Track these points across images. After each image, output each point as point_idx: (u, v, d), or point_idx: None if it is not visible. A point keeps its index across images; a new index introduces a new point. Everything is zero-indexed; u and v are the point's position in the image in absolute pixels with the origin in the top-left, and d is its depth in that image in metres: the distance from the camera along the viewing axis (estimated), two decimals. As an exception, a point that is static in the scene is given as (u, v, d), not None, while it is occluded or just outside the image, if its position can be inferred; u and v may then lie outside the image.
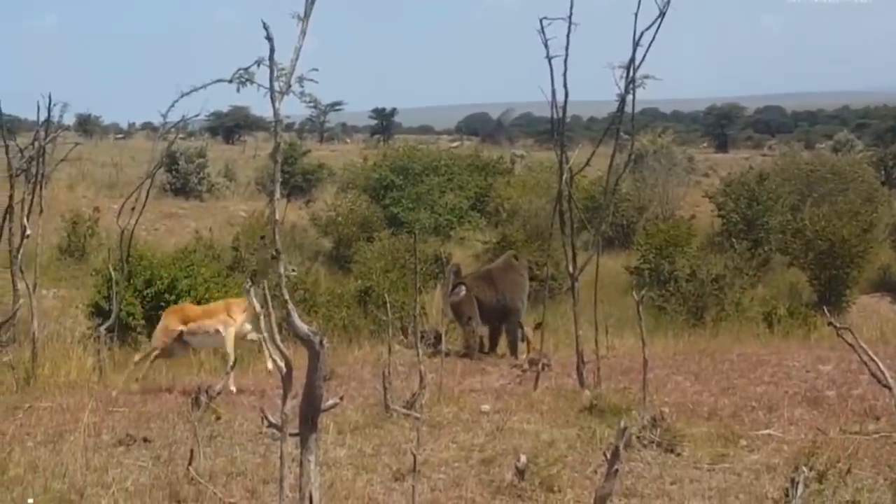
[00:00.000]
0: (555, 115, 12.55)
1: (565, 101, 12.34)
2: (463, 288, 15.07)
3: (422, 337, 12.92)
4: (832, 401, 11.34)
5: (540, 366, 12.63)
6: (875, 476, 8.47)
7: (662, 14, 11.53)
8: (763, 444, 9.68)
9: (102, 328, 14.37)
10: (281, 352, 6.99)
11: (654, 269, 23.33)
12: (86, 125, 62.72)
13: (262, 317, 7.22)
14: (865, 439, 9.60)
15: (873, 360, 10.71)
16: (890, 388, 10.53)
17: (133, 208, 14.37)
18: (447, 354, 13.27)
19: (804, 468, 7.62)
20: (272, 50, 6.95)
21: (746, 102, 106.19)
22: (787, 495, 7.49)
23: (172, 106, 12.17)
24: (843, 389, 11.79)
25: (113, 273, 15.08)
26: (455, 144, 60.37)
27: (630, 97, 12.25)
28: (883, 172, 42.43)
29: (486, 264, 18.96)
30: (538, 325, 14.36)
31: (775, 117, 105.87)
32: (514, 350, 15.09)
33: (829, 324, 11.70)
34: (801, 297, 23.70)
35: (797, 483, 7.48)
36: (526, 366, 13.58)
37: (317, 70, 7.15)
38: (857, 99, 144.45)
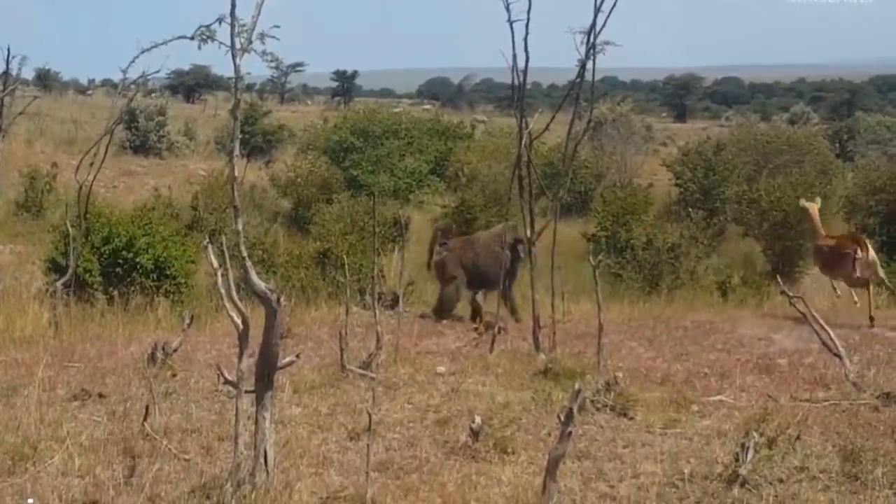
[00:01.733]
0: (515, 80, 12.55)
1: (526, 66, 12.33)
2: (445, 249, 15.12)
3: (379, 299, 12.95)
4: (783, 369, 11.47)
5: (496, 329, 12.70)
6: (824, 443, 8.60)
7: (625, -20, 11.55)
8: (714, 410, 9.78)
9: (59, 284, 14.33)
10: (238, 309, 7.02)
11: (610, 237, 23.45)
12: (45, 80, 62.04)
13: (219, 274, 7.24)
14: (815, 407, 9.72)
15: (825, 330, 10.89)
16: (840, 357, 10.72)
17: (91, 164, 14.28)
18: (405, 314, 13.31)
19: (754, 434, 7.74)
20: (233, 5, 6.93)
21: (705, 73, 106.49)
22: (737, 460, 7.62)
23: (133, 62, 12.11)
24: (795, 358, 11.93)
25: (70, 229, 15.01)
26: (427, 107, 60.43)
27: (590, 63, 12.26)
28: (837, 145, 42.83)
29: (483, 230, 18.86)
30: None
31: (733, 88, 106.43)
32: (512, 313, 14.94)
33: (782, 293, 11.88)
34: (756, 266, 23.89)
35: (747, 448, 7.61)
36: (482, 329, 13.64)
37: (278, 27, 7.15)
38: (814, 72, 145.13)
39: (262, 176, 32.12)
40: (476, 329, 13.80)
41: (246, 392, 7.11)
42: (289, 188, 29.96)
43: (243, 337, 7.05)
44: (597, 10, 11.81)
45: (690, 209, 27.77)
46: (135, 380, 10.29)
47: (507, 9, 11.86)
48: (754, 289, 19.05)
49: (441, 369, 11.23)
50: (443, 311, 14.92)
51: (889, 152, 37.60)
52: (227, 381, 7.31)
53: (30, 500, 6.92)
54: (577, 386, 7.03)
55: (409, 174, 33.16)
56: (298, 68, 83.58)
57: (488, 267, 14.87)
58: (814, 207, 15.86)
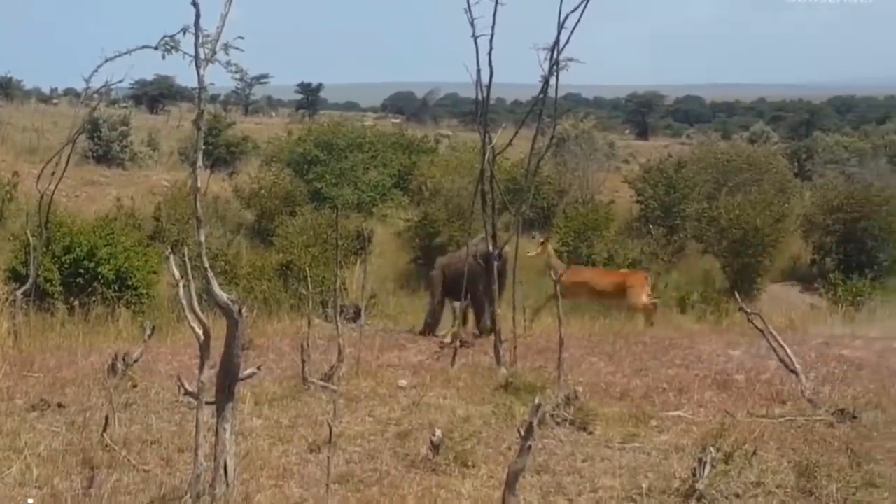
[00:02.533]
0: (479, 95, 12.60)
1: (490, 81, 12.38)
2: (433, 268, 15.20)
3: (341, 311, 12.96)
4: (741, 385, 11.56)
5: (458, 342, 12.74)
6: (780, 458, 8.68)
7: (588, -3, 11.62)
8: (673, 425, 9.85)
9: (19, 293, 14.25)
10: (200, 320, 7.03)
11: (572, 252, 23.59)
12: (7, 88, 61.63)
13: (181, 285, 7.25)
14: (772, 423, 9.82)
15: (781, 346, 11.02)
16: (797, 374, 10.84)
17: (53, 174, 14.22)
18: (367, 327, 13.31)
19: (711, 449, 7.81)
20: (198, 16, 6.95)
21: (667, 91, 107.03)
22: (694, 475, 7.69)
23: (96, 71, 12.06)
24: (752, 374, 12.02)
25: (31, 239, 14.94)
26: (396, 121, 60.50)
27: (553, 80, 12.32)
28: (796, 164, 43.25)
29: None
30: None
31: (694, 107, 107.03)
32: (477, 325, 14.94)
33: (740, 310, 12.01)
34: (714, 283, 24.12)
35: (704, 463, 7.68)
36: (448, 340, 13.66)
37: (242, 38, 7.16)
38: (774, 92, 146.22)
39: (226, 187, 32.05)
40: (445, 340, 13.81)
41: (207, 403, 7.11)
42: (252, 200, 29.94)
43: (204, 348, 7.05)
44: (560, 27, 11.87)
45: (651, 226, 28.00)
46: (95, 390, 10.25)
47: (472, 24, 11.90)
48: (713, 305, 19.24)
49: (402, 382, 11.26)
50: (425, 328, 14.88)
51: (847, 172, 37.96)
52: (187, 393, 7.32)
53: (30, 501, 6.90)
54: (537, 400, 7.08)
55: (373, 187, 33.18)
56: (263, 80, 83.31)
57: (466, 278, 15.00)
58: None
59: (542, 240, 18.57)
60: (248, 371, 7.45)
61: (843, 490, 7.79)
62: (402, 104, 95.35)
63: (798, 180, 38.25)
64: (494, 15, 11.78)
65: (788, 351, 11.03)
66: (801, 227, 28.15)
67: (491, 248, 12.93)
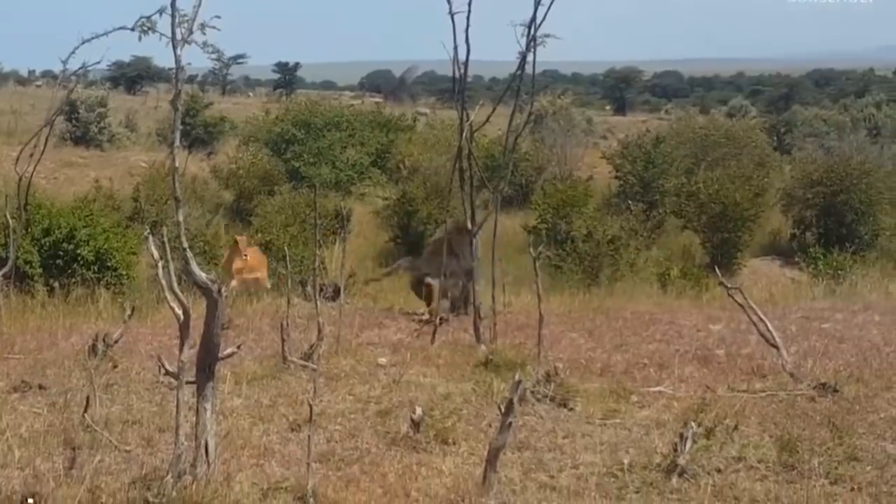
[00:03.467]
0: (456, 72, 12.61)
1: (467, 58, 12.38)
2: (416, 267, 15.14)
3: (321, 290, 12.94)
4: (721, 359, 11.61)
5: (437, 319, 12.76)
6: (761, 433, 8.73)
7: (565, -27, 11.63)
8: (653, 401, 9.90)
9: (-1, 275, 14.21)
10: (179, 300, 7.02)
11: (551, 229, 23.60)
12: (-16, 71, 61.34)
13: (160, 266, 7.23)
14: (752, 397, 9.87)
15: (762, 321, 11.07)
16: (777, 348, 10.89)
17: (31, 156, 14.18)
18: (346, 305, 13.30)
19: (693, 424, 7.85)
20: (174, -4, 6.92)
21: (645, 67, 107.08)
22: (675, 450, 7.73)
23: (73, 53, 12.05)
24: (733, 349, 12.08)
25: (10, 221, 14.86)
26: (377, 100, 60.43)
27: (531, 56, 12.33)
28: (775, 138, 43.28)
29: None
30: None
31: (672, 82, 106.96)
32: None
33: (720, 284, 12.05)
34: (694, 258, 24.19)
35: (686, 438, 7.72)
36: (427, 316, 13.68)
37: (219, 17, 7.13)
38: (752, 66, 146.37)
39: (204, 168, 31.95)
40: (424, 317, 13.84)
41: (187, 383, 7.11)
42: (230, 180, 29.85)
43: (184, 328, 7.05)
44: (537, 3, 11.88)
45: (630, 202, 27.97)
46: (75, 371, 10.24)
47: (449, 1, 11.91)
48: (693, 280, 19.27)
49: (382, 360, 11.27)
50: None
51: (826, 145, 37.95)
52: (167, 373, 7.32)
53: (30, 501, 6.89)
54: (517, 377, 7.11)
55: (351, 166, 33.10)
56: (240, 60, 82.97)
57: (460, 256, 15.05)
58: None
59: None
60: (228, 351, 7.44)
61: (825, 464, 7.84)
62: (380, 82, 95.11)
63: (777, 154, 38.28)
64: (471, -9, 11.78)
65: (769, 325, 11.08)
66: (780, 202, 28.19)
67: (470, 226, 12.93)
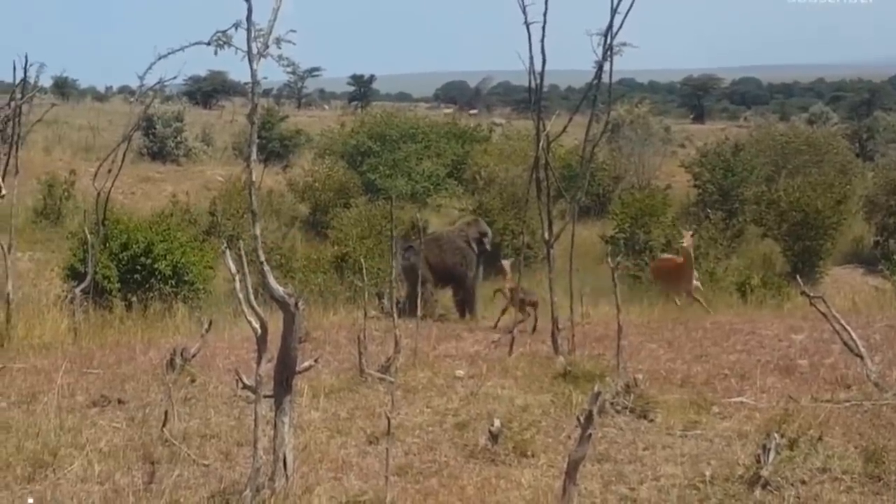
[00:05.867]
0: (532, 82, 12.54)
1: (542, 68, 12.32)
2: (412, 253, 15.24)
3: (397, 303, 12.92)
4: (804, 369, 11.40)
5: (513, 330, 12.67)
6: (846, 444, 8.53)
7: (641, -19, 11.55)
8: (735, 412, 9.72)
9: (77, 290, 14.36)
10: (256, 314, 7.01)
11: (629, 239, 23.47)
12: (63, 88, 62.27)
13: (237, 279, 7.23)
14: (836, 407, 9.66)
15: (845, 330, 10.82)
16: (861, 357, 10.64)
17: (109, 171, 14.32)
18: (423, 318, 13.27)
19: (775, 435, 7.68)
20: (250, 11, 6.94)
21: (723, 74, 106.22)
22: (758, 461, 7.56)
23: (150, 69, 12.14)
24: (815, 358, 11.86)
25: (89, 236, 15.04)
26: (473, 112, 60.67)
27: (607, 65, 12.25)
28: (857, 145, 42.75)
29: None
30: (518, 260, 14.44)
31: (751, 89, 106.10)
32: (469, 312, 15.36)
33: (802, 293, 11.81)
34: (775, 267, 23.91)
35: (768, 449, 7.55)
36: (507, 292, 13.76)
37: (294, 32, 7.14)
38: (833, 72, 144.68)
39: (280, 181, 32.19)
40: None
41: (264, 397, 7.09)
42: (306, 193, 30.05)
43: (261, 342, 7.03)
44: (613, 12, 11.81)
45: (709, 210, 27.77)
46: (154, 386, 10.29)
47: (524, 11, 11.86)
48: (774, 289, 19.02)
49: (460, 373, 11.21)
50: (428, 310, 14.93)
51: (910, 151, 37.50)
52: (245, 386, 7.30)
53: (30, 501, 6.93)
54: (596, 388, 7.00)
55: (427, 178, 33.15)
56: (315, 73, 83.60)
57: (454, 263, 15.25)
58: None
59: (692, 232, 18.56)
60: (306, 364, 7.42)
61: (912, 475, 7.64)
62: (455, 93, 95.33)
63: (859, 161, 37.85)
64: (546, 1, 11.74)
65: (853, 334, 10.84)
66: (863, 209, 27.84)
67: (548, 236, 12.84)
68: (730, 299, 18.57)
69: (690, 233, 17.89)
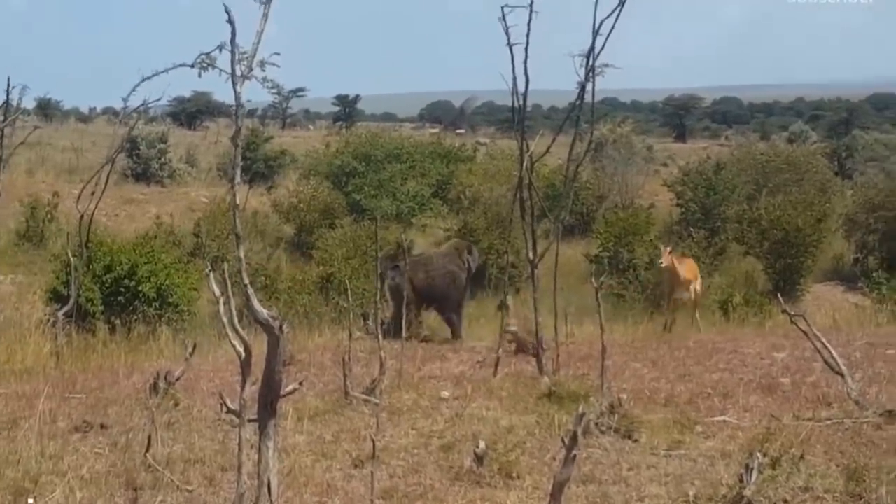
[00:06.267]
0: (515, 103, 12.60)
1: (526, 89, 12.39)
2: (397, 274, 15.26)
3: (382, 324, 12.94)
4: (786, 388, 11.46)
5: (497, 350, 12.66)
6: (828, 462, 8.57)
7: (622, 3, 11.62)
8: (718, 431, 9.76)
9: (60, 314, 14.33)
10: (240, 337, 7.01)
11: (613, 257, 23.54)
12: (46, 109, 62.12)
13: (221, 302, 7.23)
14: (818, 426, 9.71)
15: (826, 348, 10.88)
16: (842, 376, 10.70)
17: (93, 193, 14.31)
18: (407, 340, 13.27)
19: (758, 454, 7.71)
20: (234, 33, 6.95)
21: (704, 93, 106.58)
22: (741, 481, 7.59)
23: (133, 90, 12.13)
24: (797, 377, 11.92)
25: (72, 259, 15.01)
26: (460, 131, 60.79)
27: (590, 86, 12.33)
28: (836, 163, 42.98)
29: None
30: (516, 291, 14.45)
31: (732, 108, 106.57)
32: (454, 334, 15.35)
33: (784, 312, 11.87)
34: (757, 285, 23.97)
35: (751, 469, 7.58)
36: (513, 327, 13.69)
37: (279, 55, 7.15)
38: (812, 91, 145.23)
39: (265, 202, 32.15)
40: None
41: (249, 421, 7.08)
42: (291, 214, 30.02)
43: (246, 365, 7.03)
44: (595, 33, 11.89)
45: (692, 229, 27.88)
46: (137, 410, 10.26)
47: (507, 33, 11.93)
48: (756, 307, 19.11)
49: (445, 394, 11.22)
50: (412, 332, 14.92)
51: (887, 169, 37.68)
52: (229, 410, 7.29)
53: (30, 501, 6.91)
54: (580, 409, 7.02)
55: (412, 198, 33.14)
56: (300, 93, 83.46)
57: (441, 286, 15.25)
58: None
59: (669, 248, 18.56)
60: (290, 387, 7.42)
61: (893, 493, 7.67)
62: (440, 113, 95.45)
63: (839, 179, 38.05)
64: (529, 23, 11.81)
65: (833, 352, 10.90)
66: (842, 227, 27.99)
67: (532, 256, 12.85)
68: (713, 317, 18.64)
69: (668, 249, 18.04)
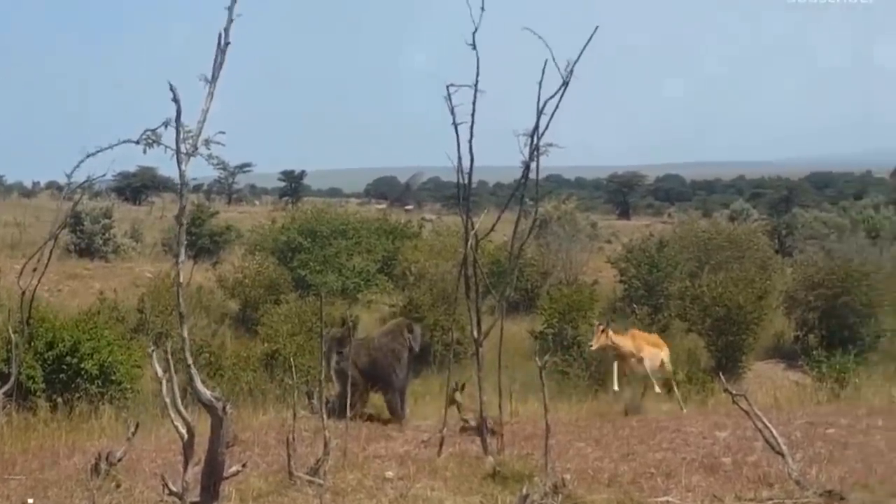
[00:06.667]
0: (461, 181, 12.69)
1: (471, 167, 12.49)
2: (342, 357, 15.23)
3: (327, 402, 12.90)
4: (728, 467, 11.53)
5: (441, 430, 12.65)
6: (769, 542, 8.63)
7: (566, 83, 11.78)
8: (661, 511, 9.80)
9: (0, 392, 14.15)
10: (183, 419, 7.01)
11: (557, 334, 23.61)
12: (-12, 184, 61.77)
13: (164, 382, 7.23)
14: (760, 506, 9.78)
15: (767, 428, 10.99)
16: (783, 455, 10.79)
17: (35, 269, 14.20)
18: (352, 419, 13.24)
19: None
20: (179, 112, 7.03)
21: (647, 171, 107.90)
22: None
23: (78, 166, 12.12)
24: (739, 456, 12.00)
25: (13, 336, 14.85)
26: (409, 207, 60.93)
27: (534, 164, 12.46)
28: (777, 241, 43.50)
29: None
30: (462, 387, 14.33)
31: (675, 186, 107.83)
32: (395, 415, 15.23)
33: (726, 391, 11.98)
34: (699, 362, 24.07)
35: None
36: (472, 422, 13.53)
37: (223, 133, 7.23)
38: (752, 169, 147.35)
39: (210, 277, 31.99)
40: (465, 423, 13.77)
41: (191, 503, 7.06)
42: (236, 289, 29.88)
43: (188, 446, 7.03)
44: (539, 113, 12.04)
45: (635, 305, 28.05)
46: (77, 492, 10.14)
47: (452, 112, 12.06)
48: (699, 385, 19.20)
49: (389, 474, 11.19)
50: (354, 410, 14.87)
51: (826, 247, 38.12)
52: (171, 493, 7.28)
53: (30, 500, 6.82)
54: (524, 490, 7.06)
55: (357, 274, 33.11)
56: (246, 169, 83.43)
57: (384, 364, 15.20)
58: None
59: (601, 326, 17.29)
60: (233, 469, 7.41)
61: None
62: (385, 189, 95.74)
63: (779, 257, 38.44)
64: (474, 102, 11.95)
65: (774, 432, 11.00)
66: (783, 304, 28.22)
67: (476, 333, 12.87)
68: (656, 395, 18.70)
69: (601, 327, 17.27)
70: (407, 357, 15.54)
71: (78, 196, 17.64)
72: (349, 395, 12.89)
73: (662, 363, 17.61)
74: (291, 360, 14.04)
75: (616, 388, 16.87)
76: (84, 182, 14.21)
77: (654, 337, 18.58)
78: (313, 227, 35.45)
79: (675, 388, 17.65)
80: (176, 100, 7.11)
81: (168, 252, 37.80)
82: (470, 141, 12.26)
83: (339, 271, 32.85)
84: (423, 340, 15.81)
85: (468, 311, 13.07)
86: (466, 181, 12.70)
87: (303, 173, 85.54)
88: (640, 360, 17.18)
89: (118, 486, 10.33)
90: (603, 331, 17.08)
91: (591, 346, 17.07)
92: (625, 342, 17.20)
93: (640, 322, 24.65)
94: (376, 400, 16.37)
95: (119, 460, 10.64)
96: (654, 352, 17.52)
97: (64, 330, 16.67)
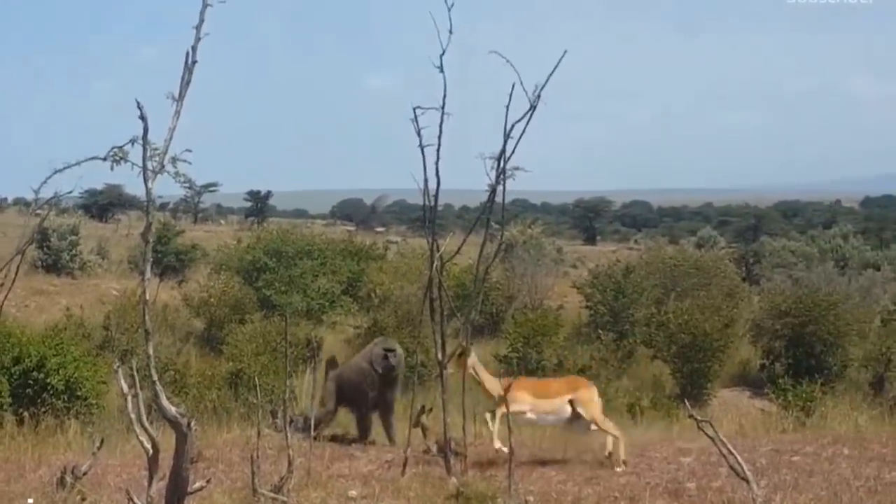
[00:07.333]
0: (427, 203, 12.74)
1: (437, 190, 12.53)
2: (330, 379, 15.31)
3: (291, 421, 12.90)
4: (692, 493, 11.58)
5: (406, 450, 12.68)
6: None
7: (533, 108, 11.86)
8: (624, 534, 9.86)
9: (-35, 407, 14.11)
10: (148, 434, 7.02)
11: (522, 358, 23.65)
12: (-46, 200, 61.47)
13: (129, 399, 7.24)
14: (723, 531, 9.84)
15: (732, 454, 11.03)
16: (748, 482, 10.84)
17: (2, 284, 14.15)
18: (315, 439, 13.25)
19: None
20: (146, 130, 7.07)
21: (614, 196, 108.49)
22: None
23: (45, 182, 12.10)
24: (703, 481, 12.05)
25: (-21, 350, 14.81)
26: (380, 230, 60.91)
27: (500, 188, 12.52)
28: (744, 269, 43.72)
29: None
30: (429, 411, 14.32)
31: (642, 212, 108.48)
32: (362, 436, 15.22)
33: (690, 416, 12.05)
34: (665, 389, 24.15)
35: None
36: (434, 450, 13.46)
37: (190, 151, 7.27)
38: (721, 196, 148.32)
39: (175, 296, 31.91)
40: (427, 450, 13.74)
41: (156, 518, 7.07)
42: (202, 308, 29.80)
43: (153, 462, 7.04)
44: (506, 137, 12.10)
45: (601, 331, 28.12)
46: (43, 504, 10.13)
47: (419, 134, 12.12)
48: (663, 411, 19.28)
49: (353, 493, 11.20)
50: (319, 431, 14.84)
51: (794, 276, 38.32)
52: (137, 507, 7.28)
53: (30, 500, 6.80)
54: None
55: (322, 295, 33.07)
56: (212, 188, 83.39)
57: (354, 384, 15.20)
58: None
59: (459, 350, 13.39)
60: (197, 485, 7.42)
61: None
62: (351, 210, 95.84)
63: (746, 285, 38.59)
64: (441, 125, 12.01)
65: (739, 458, 11.04)
66: (749, 332, 28.32)
67: (441, 356, 12.90)
68: (620, 420, 18.76)
69: (457, 351, 13.35)
70: (378, 376, 15.39)
71: (45, 212, 17.57)
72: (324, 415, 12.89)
73: (574, 410, 13.65)
74: (256, 379, 14.02)
75: (497, 444, 12.81)
76: (51, 198, 14.17)
77: (558, 383, 14.37)
78: (279, 248, 35.41)
79: (614, 440, 13.47)
80: (143, 117, 7.14)
81: (134, 269, 37.73)
82: (437, 163, 12.32)
83: (303, 292, 32.78)
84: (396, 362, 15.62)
85: (433, 333, 13.10)
86: (433, 204, 12.74)
87: (269, 194, 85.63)
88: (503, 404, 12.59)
89: (83, 499, 10.32)
90: (460, 355, 13.28)
91: (448, 370, 12.95)
92: (488, 378, 13.61)
93: (605, 347, 24.70)
94: (343, 419, 16.39)
95: (84, 474, 10.62)
96: (543, 403, 13.59)
97: (30, 345, 16.67)
